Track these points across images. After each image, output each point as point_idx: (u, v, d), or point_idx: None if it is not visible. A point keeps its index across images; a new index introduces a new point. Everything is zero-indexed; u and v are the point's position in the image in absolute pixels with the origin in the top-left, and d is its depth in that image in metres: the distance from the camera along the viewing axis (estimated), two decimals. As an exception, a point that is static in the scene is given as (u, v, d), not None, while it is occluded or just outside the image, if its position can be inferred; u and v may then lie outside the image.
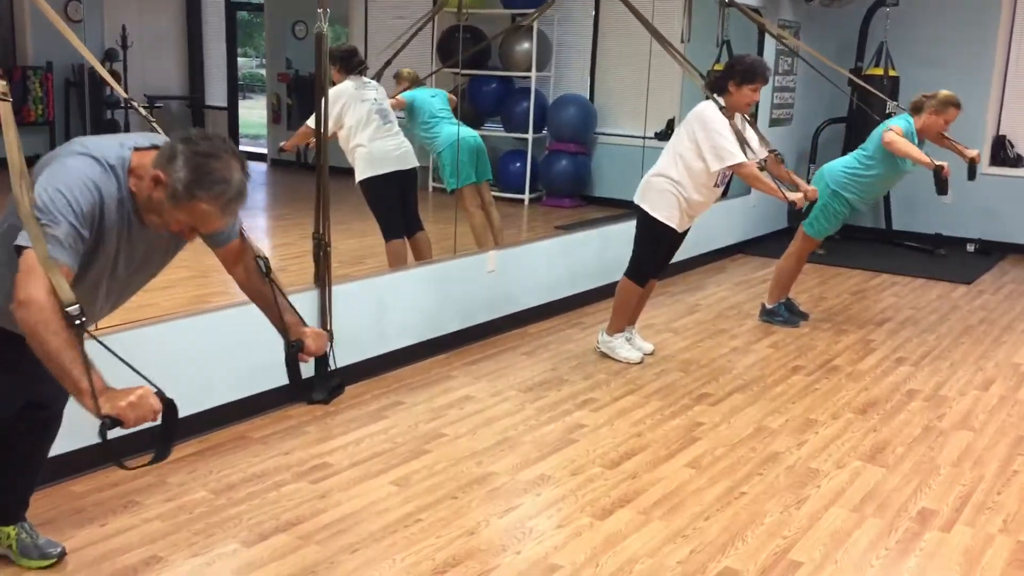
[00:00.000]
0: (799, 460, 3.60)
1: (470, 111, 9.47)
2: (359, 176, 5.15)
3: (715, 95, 4.44)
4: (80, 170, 2.08)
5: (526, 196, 9.18)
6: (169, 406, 1.99)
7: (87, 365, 1.92)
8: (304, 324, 2.44)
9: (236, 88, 12.05)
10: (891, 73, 7.57)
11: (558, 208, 9.00)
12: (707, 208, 4.65)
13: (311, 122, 4.49)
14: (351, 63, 5.18)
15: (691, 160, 4.41)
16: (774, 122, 7.72)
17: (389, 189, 5.16)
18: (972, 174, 5.24)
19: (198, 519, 2.97)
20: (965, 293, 6.51)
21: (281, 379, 2.49)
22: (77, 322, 1.93)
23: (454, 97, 6.36)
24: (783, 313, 5.50)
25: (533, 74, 9.00)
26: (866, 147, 5.22)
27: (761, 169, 4.54)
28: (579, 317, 5.48)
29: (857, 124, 7.73)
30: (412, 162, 5.29)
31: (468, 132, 5.91)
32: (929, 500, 3.30)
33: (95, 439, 1.91)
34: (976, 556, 2.92)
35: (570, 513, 3.12)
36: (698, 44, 7.06)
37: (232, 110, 12.07)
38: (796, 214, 4.58)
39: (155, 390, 1.97)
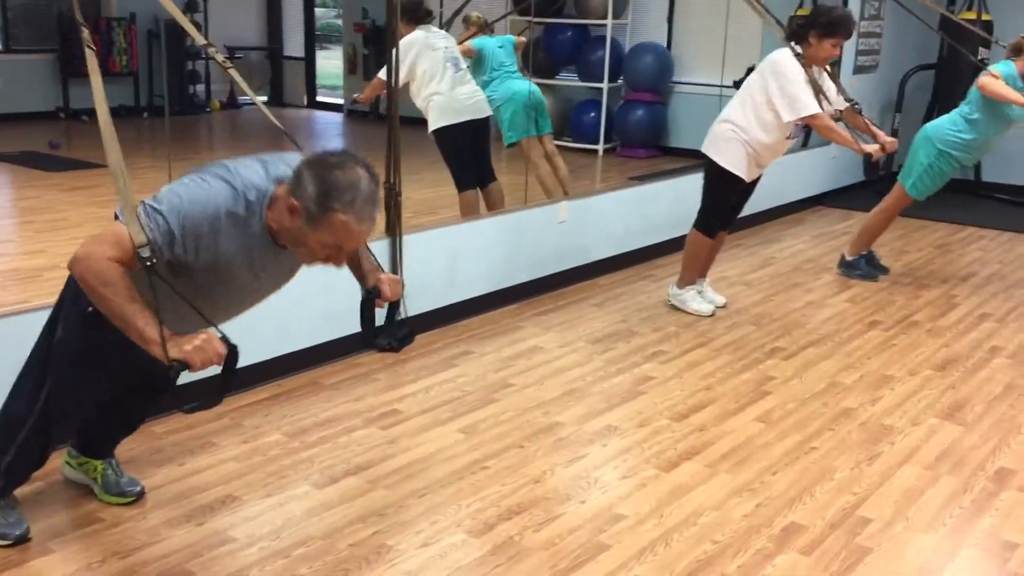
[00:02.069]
0: (872, 416, 3.54)
1: (544, 60, 9.40)
2: (432, 126, 5.15)
3: (793, 43, 4.31)
4: (214, 195, 2.09)
5: (600, 146, 9.10)
6: (231, 351, 2.03)
7: (153, 313, 1.97)
8: (381, 270, 2.46)
9: (313, 39, 12.13)
10: (984, 17, 7.24)
11: (633, 159, 8.90)
12: (777, 157, 4.54)
13: (383, 73, 4.50)
14: (417, 14, 5.17)
15: (762, 109, 4.30)
16: (858, 69, 7.46)
17: (463, 139, 5.15)
18: None
19: (272, 461, 3.05)
20: (1057, 248, 6.27)
21: (353, 327, 2.54)
22: (148, 263, 1.98)
23: (523, 39, 6.30)
24: (862, 266, 5.36)
25: (609, 22, 8.86)
26: (969, 101, 5.01)
27: (837, 120, 4.40)
28: (651, 269, 5.43)
29: (947, 71, 7.45)
30: (486, 110, 5.27)
31: (525, 85, 5.85)
32: (1008, 459, 3.21)
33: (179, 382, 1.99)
34: (1055, 518, 2.84)
35: (636, 464, 3.12)
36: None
37: (309, 61, 12.17)
38: (873, 167, 4.42)
39: (219, 335, 2.02)
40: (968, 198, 7.59)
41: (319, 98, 12.24)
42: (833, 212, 7.13)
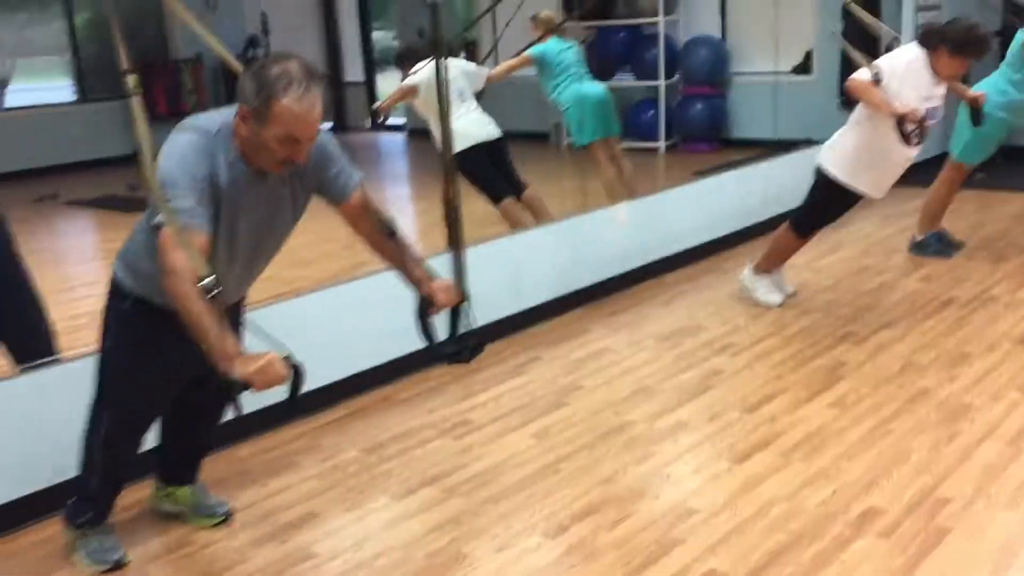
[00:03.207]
0: (950, 395, 3.48)
1: (599, 63, 9.41)
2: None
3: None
4: (185, 143, 2.25)
5: (661, 144, 9.09)
6: (296, 371, 2.12)
7: (223, 331, 2.08)
8: (433, 279, 2.52)
9: (372, 62, 12.35)
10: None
11: (696, 153, 8.85)
12: (901, 168, 4.31)
13: (405, 82, 4.66)
14: (416, 59, 5.36)
15: (876, 115, 4.11)
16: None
17: (477, 159, 5.28)
18: None
19: (351, 477, 3.14)
20: None
21: (419, 340, 2.61)
22: (211, 293, 2.10)
23: (585, 41, 6.36)
24: (934, 244, 5.26)
25: (661, 19, 8.86)
26: (1009, 62, 4.90)
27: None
28: (718, 263, 5.40)
29: (1011, 38, 7.23)
30: (494, 132, 5.39)
31: (593, 88, 5.91)
32: (1094, 431, 3.13)
33: (257, 405, 2.09)
34: None
35: (707, 458, 3.13)
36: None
37: (369, 84, 12.40)
38: (906, 135, 4.08)
39: (285, 354, 2.11)
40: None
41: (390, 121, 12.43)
42: (903, 191, 6.89)
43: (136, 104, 2.29)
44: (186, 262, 2.12)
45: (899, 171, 4.34)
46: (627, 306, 4.77)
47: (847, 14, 7.35)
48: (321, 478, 3.14)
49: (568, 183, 5.65)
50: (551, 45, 5.81)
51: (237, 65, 2.82)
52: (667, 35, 8.98)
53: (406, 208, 7.88)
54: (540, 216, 5.37)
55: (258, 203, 2.38)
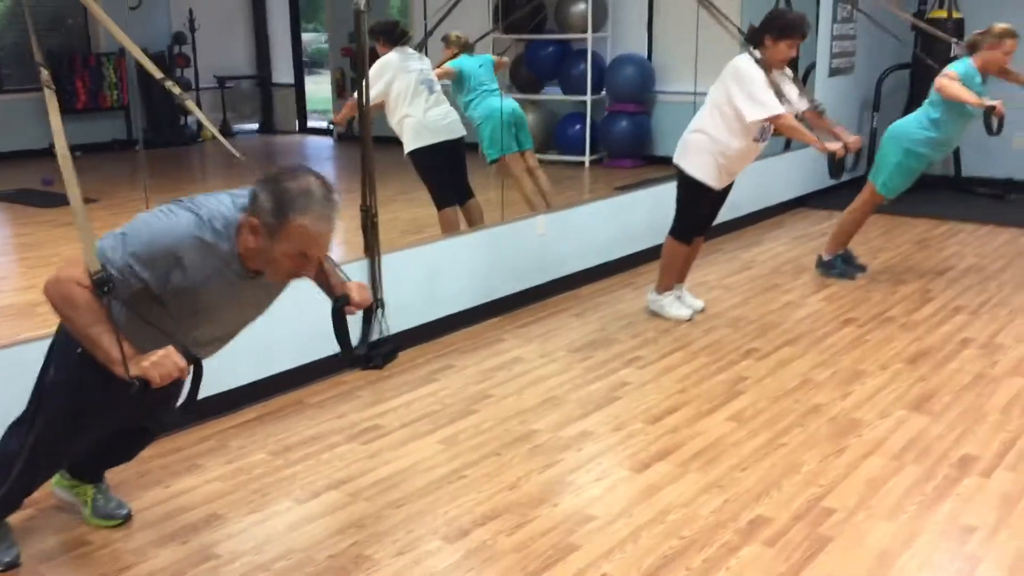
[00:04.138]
0: (842, 411, 3.63)
1: (528, 76, 9.55)
2: (407, 147, 5.27)
3: (752, 48, 4.42)
4: (179, 224, 2.20)
5: (587, 158, 9.21)
6: (195, 364, 2.14)
7: (116, 334, 2.08)
8: (347, 280, 2.54)
9: (301, 65, 12.27)
10: (955, 15, 7.35)
11: (619, 169, 9.00)
12: (748, 163, 4.62)
13: (355, 96, 4.62)
14: (394, 35, 5.30)
15: (728, 115, 4.39)
16: (834, 72, 7.58)
17: (438, 159, 5.27)
18: None
19: (256, 479, 3.15)
20: (1035, 238, 6.36)
21: (334, 344, 2.62)
22: (104, 288, 2.08)
23: (505, 60, 6.41)
24: (839, 265, 5.46)
25: (589, 35, 8.99)
26: (931, 101, 5.11)
27: (799, 120, 4.50)
28: (632, 277, 5.53)
29: (922, 70, 7.54)
30: (459, 131, 5.38)
31: (506, 104, 5.97)
32: (972, 447, 3.30)
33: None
34: (1014, 500, 2.92)
35: (608, 467, 3.22)
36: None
37: (299, 86, 12.31)
38: (837, 166, 4.49)
39: (180, 349, 2.11)
40: (949, 193, 7.69)
41: (310, 123, 12.37)
42: (815, 213, 7.23)
43: (50, 97, 2.28)
44: (80, 274, 2.10)
45: (745, 164, 4.61)
46: (542, 317, 4.86)
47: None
48: (225, 480, 3.14)
49: (487, 195, 5.71)
50: (468, 60, 5.86)
51: (153, 67, 2.82)
52: (595, 52, 9.11)
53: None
54: (474, 225, 5.42)
55: (243, 299, 2.39)
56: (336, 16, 11.71)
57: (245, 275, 2.30)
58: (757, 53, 4.38)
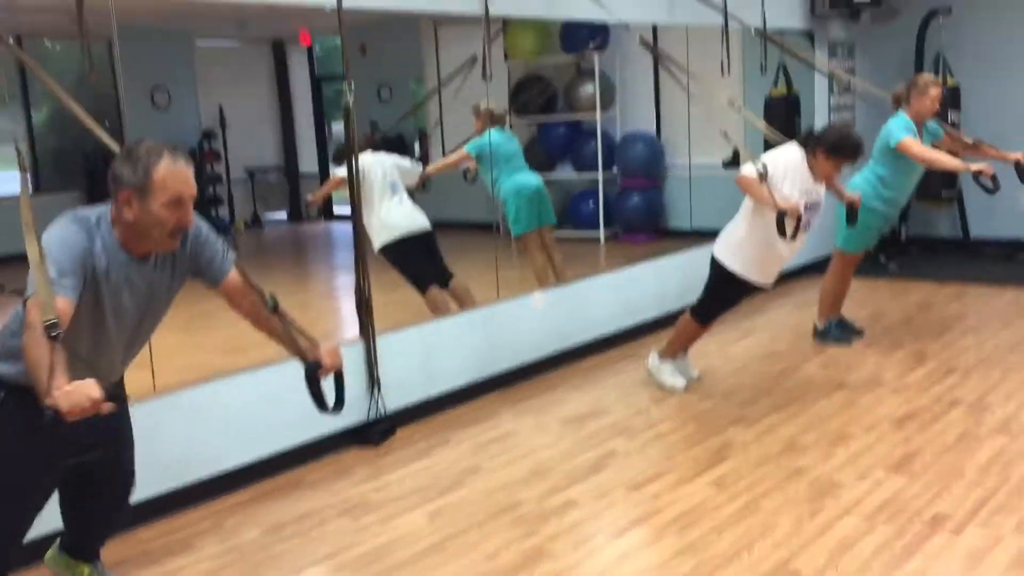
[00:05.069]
0: (822, 473, 3.69)
1: (541, 156, 9.82)
2: (376, 246, 5.53)
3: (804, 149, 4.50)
4: (62, 227, 2.42)
5: (601, 233, 9.40)
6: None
7: (52, 368, 2.12)
8: (317, 345, 2.67)
9: (326, 155, 12.70)
10: (950, 82, 7.49)
11: (633, 244, 9.17)
12: (789, 257, 4.62)
13: (339, 171, 4.96)
14: (371, 138, 5.65)
15: (753, 205, 4.46)
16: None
17: (405, 251, 5.58)
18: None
19: (246, 557, 3.28)
20: (1039, 297, 6.38)
21: (332, 424, 2.77)
22: (53, 333, 2.16)
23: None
24: (834, 331, 5.53)
25: (598, 114, 9.26)
26: (875, 158, 5.22)
27: None
28: (633, 349, 5.63)
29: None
30: (424, 225, 5.68)
31: (530, 179, 6.19)
32: (946, 505, 3.34)
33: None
34: (980, 556, 2.96)
35: (588, 534, 3.30)
36: (754, 71, 7.22)
37: (323, 176, 12.71)
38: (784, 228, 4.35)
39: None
40: (957, 255, 7.73)
41: (336, 211, 12.74)
42: (820, 280, 7.28)
43: (22, 180, 2.47)
44: (39, 317, 2.20)
45: (785, 260, 4.63)
46: (540, 391, 4.98)
47: (768, 113, 7.84)
48: (217, 558, 3.27)
49: (511, 272, 5.89)
50: (493, 137, 6.01)
51: (114, 144, 3.01)
52: (604, 130, 9.37)
53: (344, 298, 8.08)
54: (466, 305, 5.59)
55: (138, 287, 2.54)
56: (358, 106, 12.13)
57: (133, 261, 2.49)
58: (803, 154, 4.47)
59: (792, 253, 4.59)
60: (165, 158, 2.41)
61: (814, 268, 7.43)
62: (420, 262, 5.67)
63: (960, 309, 6.20)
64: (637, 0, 5.61)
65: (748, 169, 4.42)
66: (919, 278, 6.97)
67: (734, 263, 4.56)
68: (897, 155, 5.08)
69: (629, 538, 3.26)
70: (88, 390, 2.10)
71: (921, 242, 8.04)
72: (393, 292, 6.22)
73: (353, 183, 4.38)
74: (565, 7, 5.17)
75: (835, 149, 4.44)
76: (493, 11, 4.69)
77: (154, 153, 2.41)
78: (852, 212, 4.81)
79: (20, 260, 2.33)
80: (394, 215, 5.60)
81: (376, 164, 5.64)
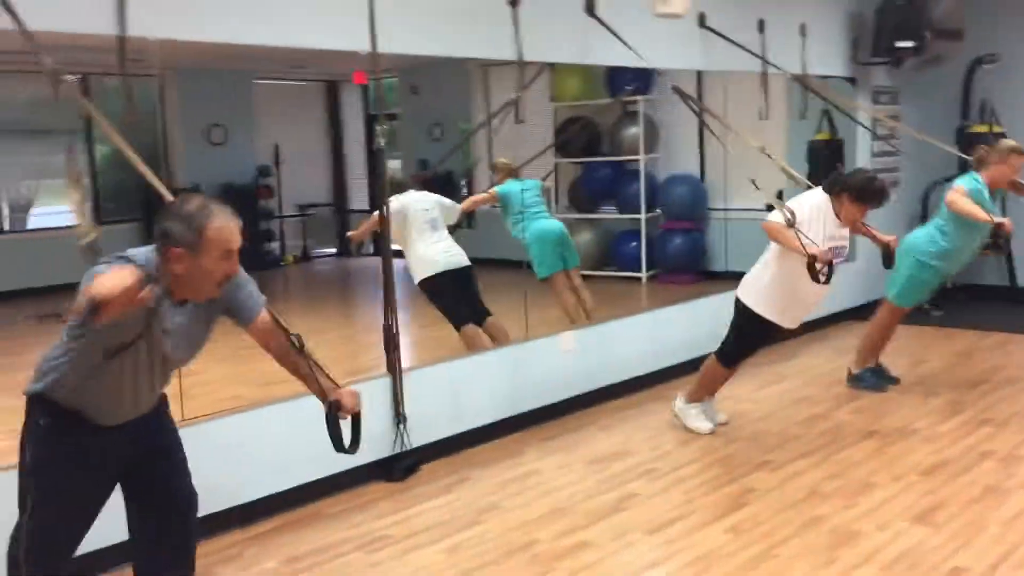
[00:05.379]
0: (843, 522, 3.65)
1: (585, 197, 9.91)
2: (416, 279, 5.73)
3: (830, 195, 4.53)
4: (110, 267, 2.37)
5: (643, 274, 9.41)
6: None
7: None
8: (339, 387, 2.76)
9: (376, 192, 12.89)
10: (996, 129, 7.42)
11: (674, 284, 9.16)
12: (813, 301, 4.63)
13: (375, 213, 5.05)
14: (401, 190, 5.83)
15: (780, 248, 4.47)
16: (876, 186, 7.66)
17: (443, 286, 5.68)
18: None
19: (262, 585, 3.35)
20: (1084, 348, 6.24)
21: (357, 458, 2.82)
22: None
23: (547, 184, 6.76)
24: (868, 379, 5.47)
25: (642, 156, 9.31)
26: (941, 214, 5.21)
27: None
28: (663, 391, 5.61)
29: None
30: (463, 261, 5.77)
31: (552, 225, 6.31)
32: (966, 558, 3.29)
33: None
34: (996, 613, 2.91)
35: (599, 575, 3.31)
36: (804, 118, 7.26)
37: (374, 212, 12.92)
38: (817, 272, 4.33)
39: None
40: (1003, 303, 7.59)
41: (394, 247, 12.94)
42: (859, 326, 7.19)
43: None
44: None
45: (812, 305, 4.62)
46: (566, 430, 5.00)
47: (811, 157, 7.84)
48: (235, 586, 3.35)
49: (541, 312, 5.98)
50: (512, 186, 6.25)
51: (162, 187, 3.12)
52: (648, 172, 9.43)
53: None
54: (500, 342, 5.66)
55: (177, 329, 2.60)
56: (409, 144, 12.35)
57: (174, 306, 2.52)
58: (828, 197, 4.51)
59: (819, 298, 4.58)
60: (217, 216, 2.45)
61: (853, 313, 7.37)
62: (457, 298, 5.77)
63: (1002, 359, 6.09)
64: (673, 46, 5.66)
65: (776, 215, 4.44)
66: (963, 326, 6.86)
67: (759, 306, 4.56)
68: (955, 213, 5.02)
69: (640, 581, 3.25)
70: (123, 275, 2.10)
71: (967, 289, 7.90)
72: (431, 328, 6.35)
73: (384, 223, 4.48)
74: (600, 53, 5.24)
75: (861, 194, 4.44)
76: (528, 56, 4.79)
77: (205, 211, 2.45)
78: (888, 255, 4.80)
79: (73, 288, 2.39)
80: (432, 251, 5.73)
81: (418, 202, 5.79)
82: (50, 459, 2.57)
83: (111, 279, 2.09)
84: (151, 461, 2.74)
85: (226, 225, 2.47)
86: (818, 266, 4.29)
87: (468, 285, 5.87)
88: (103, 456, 2.60)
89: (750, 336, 4.69)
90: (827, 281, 4.35)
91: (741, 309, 4.64)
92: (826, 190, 4.53)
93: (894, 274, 5.32)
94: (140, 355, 2.58)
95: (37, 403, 2.58)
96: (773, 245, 4.53)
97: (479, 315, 5.81)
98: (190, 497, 2.82)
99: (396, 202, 5.61)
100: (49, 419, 2.56)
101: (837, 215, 4.47)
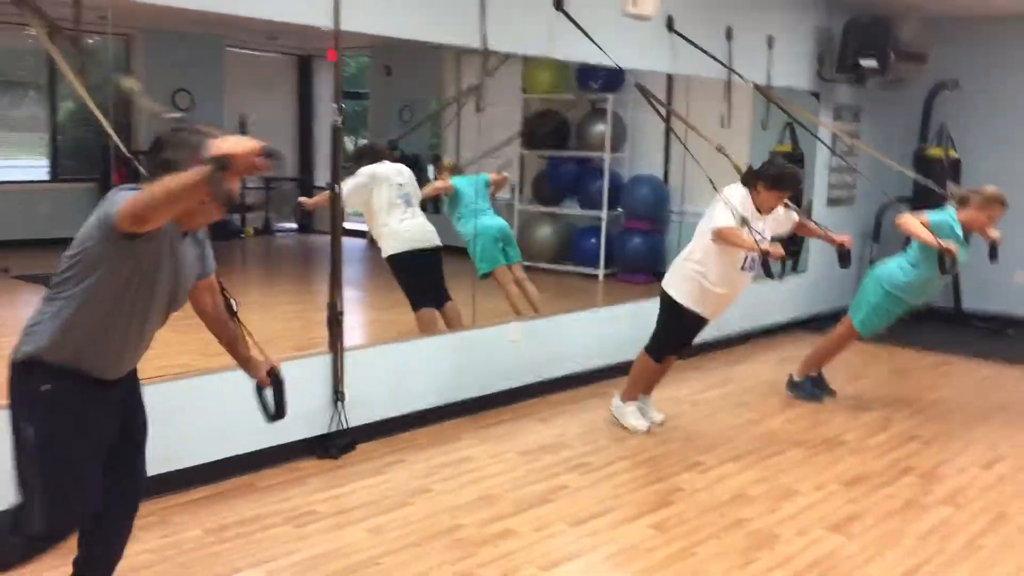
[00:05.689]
0: (764, 526, 3.73)
1: (548, 190, 9.95)
2: (384, 253, 5.62)
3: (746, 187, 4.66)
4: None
5: (600, 271, 9.48)
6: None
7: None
8: (267, 358, 2.82)
9: (338, 170, 12.83)
10: (951, 154, 7.56)
11: (631, 284, 9.24)
12: (736, 292, 4.75)
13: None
14: (377, 156, 5.81)
15: (709, 243, 4.59)
16: (832, 202, 7.80)
17: (411, 265, 5.61)
18: (993, 255, 5.20)
19: (183, 554, 3.35)
20: (1018, 376, 6.39)
21: (293, 432, 2.83)
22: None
23: (504, 175, 6.75)
24: (808, 388, 5.57)
25: (607, 154, 9.36)
26: (912, 245, 5.24)
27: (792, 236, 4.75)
28: (607, 387, 5.66)
29: (923, 204, 7.72)
30: (434, 241, 5.72)
31: (494, 222, 6.30)
32: (877, 569, 3.38)
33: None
34: (897, 622, 3.00)
35: (519, 563, 3.36)
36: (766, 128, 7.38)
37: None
38: (764, 266, 4.51)
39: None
40: (947, 325, 7.75)
41: (347, 225, 12.87)
42: (811, 337, 7.32)
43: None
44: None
45: (733, 297, 4.78)
46: (505, 420, 5.04)
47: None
48: (154, 552, 3.34)
49: (493, 303, 6.00)
50: (461, 180, 6.24)
51: (125, 151, 3.08)
52: (613, 170, 9.48)
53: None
54: (454, 328, 5.67)
55: (179, 260, 2.55)
56: (378, 125, 12.33)
57: (177, 235, 2.49)
58: (745, 191, 4.63)
59: (740, 289, 4.77)
60: (215, 134, 2.37)
61: (802, 324, 7.50)
62: (421, 279, 5.72)
63: (937, 379, 6.23)
64: (640, 47, 5.71)
65: (727, 219, 4.51)
66: (904, 345, 6.99)
67: (682, 296, 4.67)
68: (926, 248, 5.05)
69: (558, 572, 3.30)
70: (245, 140, 2.12)
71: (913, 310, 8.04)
72: (388, 311, 6.35)
73: (335, 201, 4.48)
74: (567, 48, 5.27)
75: (776, 181, 4.59)
76: (493, 46, 4.81)
77: (201, 133, 2.41)
78: (843, 254, 4.91)
79: (28, 245, 2.35)
80: (403, 227, 5.64)
81: (394, 175, 5.71)
82: (59, 427, 2.46)
83: (232, 141, 2.09)
84: (127, 440, 2.69)
85: (224, 142, 2.42)
86: (771, 260, 4.44)
87: (434, 267, 5.84)
88: (101, 422, 2.54)
89: (674, 327, 4.80)
90: (769, 273, 4.49)
91: (665, 300, 4.76)
92: (744, 183, 4.65)
93: (860, 298, 5.41)
94: (158, 286, 2.51)
95: (35, 369, 2.44)
96: (702, 238, 4.63)
97: (440, 299, 5.80)
98: (143, 482, 2.84)
99: (365, 172, 5.57)
100: (51, 383, 2.44)
101: (757, 207, 4.59)
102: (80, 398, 2.47)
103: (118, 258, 2.38)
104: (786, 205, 4.84)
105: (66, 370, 2.44)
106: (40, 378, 2.43)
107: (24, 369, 2.45)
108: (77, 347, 2.44)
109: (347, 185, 5.61)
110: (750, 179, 4.67)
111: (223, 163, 2.07)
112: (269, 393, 2.84)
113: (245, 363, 2.82)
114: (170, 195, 2.21)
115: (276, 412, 2.84)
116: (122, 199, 2.31)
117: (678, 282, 4.73)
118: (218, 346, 2.94)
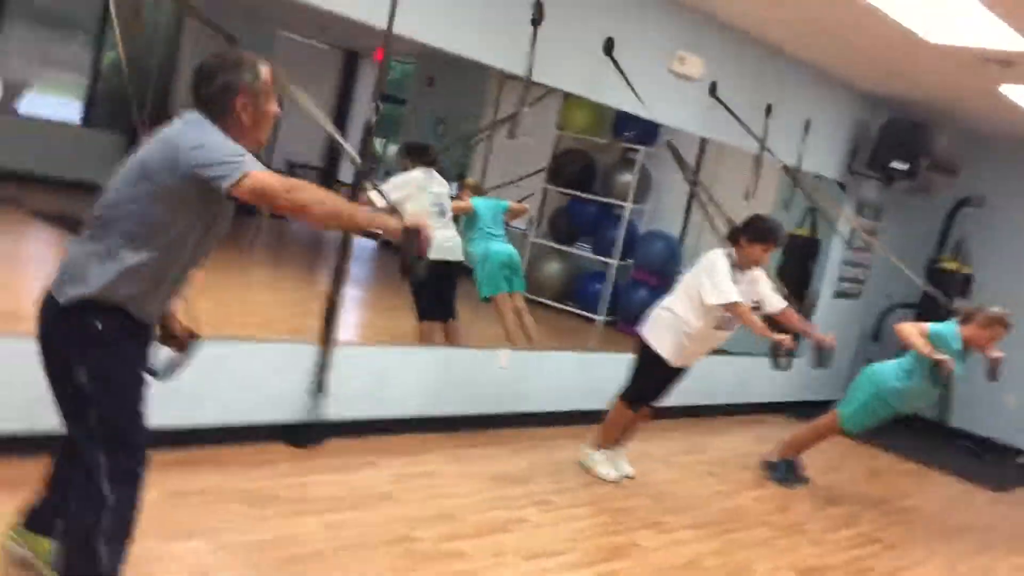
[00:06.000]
0: (711, 597, 3.73)
1: (565, 227, 10.01)
2: None
3: (730, 245, 4.74)
4: (209, 130, 2.42)
5: (601, 317, 9.51)
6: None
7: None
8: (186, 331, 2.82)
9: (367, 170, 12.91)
10: (965, 269, 7.61)
11: (628, 335, 9.24)
12: (708, 347, 4.86)
13: (372, 195, 5.07)
14: (424, 156, 5.78)
15: (694, 298, 4.68)
16: (839, 294, 7.83)
17: (430, 275, 5.62)
18: (992, 374, 5.23)
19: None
20: (989, 499, 6.40)
21: (270, 414, 2.83)
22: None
23: (524, 206, 6.80)
24: (781, 471, 5.57)
25: (629, 204, 9.43)
26: (909, 352, 5.23)
27: (767, 319, 4.77)
28: (582, 431, 5.64)
29: (926, 313, 7.76)
30: (457, 256, 5.75)
31: (504, 248, 6.34)
32: (814, 660, 3.38)
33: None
34: None
35: (464, 586, 3.37)
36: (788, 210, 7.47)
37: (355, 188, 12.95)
38: (776, 357, 4.70)
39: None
40: (931, 437, 7.73)
41: (361, 225, 12.94)
42: (791, 421, 7.34)
43: None
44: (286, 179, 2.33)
45: (708, 349, 4.88)
46: (479, 443, 5.06)
47: (786, 250, 7.97)
48: (113, 503, 3.35)
49: (489, 326, 6.04)
50: (481, 202, 6.32)
51: (146, 107, 3.11)
52: (631, 220, 9.54)
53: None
54: (452, 344, 5.71)
55: (226, 210, 2.56)
56: (411, 135, 12.41)
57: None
58: (733, 252, 4.70)
59: (717, 343, 4.86)
60: (261, 60, 2.50)
61: (788, 407, 7.50)
62: (434, 291, 5.75)
63: (910, 487, 6.23)
64: (678, 104, 5.78)
65: (735, 291, 4.57)
66: (884, 447, 7.00)
67: (658, 344, 4.72)
68: (924, 359, 5.06)
69: (502, 602, 3.32)
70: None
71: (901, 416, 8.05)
72: (391, 314, 6.38)
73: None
74: (608, 93, 5.34)
75: (760, 235, 4.67)
76: (537, 77, 4.88)
77: (251, 58, 2.49)
78: (822, 352, 4.94)
79: (45, 183, 2.37)
80: (439, 237, 5.65)
81: (434, 184, 5.78)
82: (119, 361, 2.48)
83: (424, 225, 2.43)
84: None
85: (265, 64, 2.51)
86: (783, 350, 4.63)
87: (451, 282, 5.89)
88: (144, 361, 2.57)
89: (648, 375, 4.85)
90: (777, 364, 4.74)
91: (643, 348, 4.81)
92: (728, 238, 4.76)
93: (851, 393, 5.44)
94: (214, 240, 2.56)
95: (87, 308, 2.42)
96: (684, 291, 4.74)
97: (446, 313, 5.84)
98: None
99: (403, 178, 5.64)
100: (103, 321, 2.42)
101: (741, 265, 4.68)
102: (130, 334, 2.47)
103: (204, 208, 2.42)
104: (785, 300, 4.91)
105: (116, 308, 2.43)
106: (92, 316, 2.41)
107: (76, 308, 2.41)
108: (133, 289, 2.43)
109: (397, 178, 5.72)
110: (734, 235, 4.77)
111: (414, 240, 2.34)
112: (173, 354, 2.79)
113: (170, 319, 2.75)
114: (329, 215, 2.35)
115: (162, 372, 2.74)
116: (226, 153, 2.32)
117: (659, 331, 4.79)
118: (197, 313, 2.99)
